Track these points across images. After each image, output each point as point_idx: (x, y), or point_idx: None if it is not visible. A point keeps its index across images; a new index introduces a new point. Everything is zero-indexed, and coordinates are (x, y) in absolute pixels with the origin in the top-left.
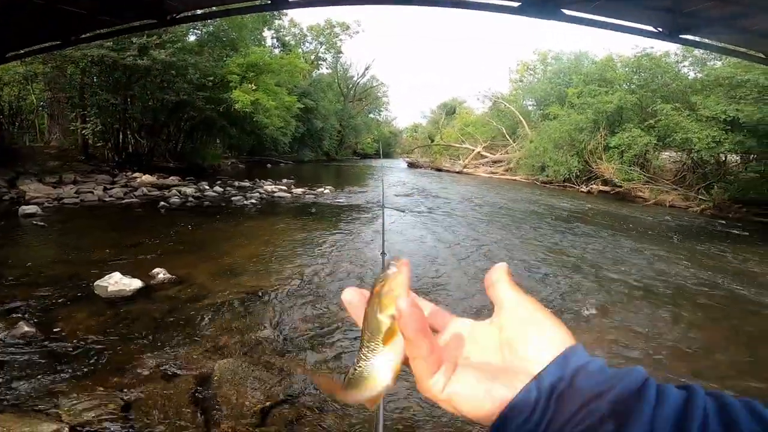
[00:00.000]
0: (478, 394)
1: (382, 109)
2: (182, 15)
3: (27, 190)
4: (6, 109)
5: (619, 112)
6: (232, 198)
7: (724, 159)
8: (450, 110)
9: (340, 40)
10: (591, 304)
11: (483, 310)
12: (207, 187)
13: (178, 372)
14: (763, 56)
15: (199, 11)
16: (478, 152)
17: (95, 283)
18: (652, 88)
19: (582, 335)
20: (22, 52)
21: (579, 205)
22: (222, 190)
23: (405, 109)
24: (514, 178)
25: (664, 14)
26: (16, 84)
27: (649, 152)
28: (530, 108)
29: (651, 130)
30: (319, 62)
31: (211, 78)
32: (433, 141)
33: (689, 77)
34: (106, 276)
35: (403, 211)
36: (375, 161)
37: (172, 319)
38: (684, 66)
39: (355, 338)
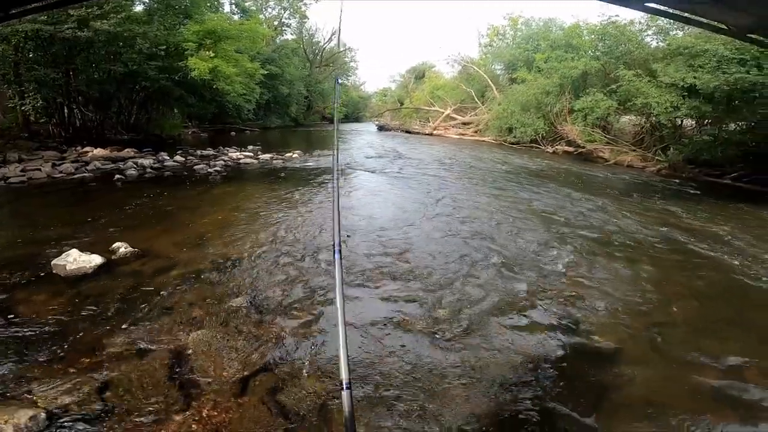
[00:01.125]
0: None
1: (350, 74)
2: None
3: None
4: None
5: (584, 77)
6: (195, 167)
7: (680, 123)
8: (419, 74)
9: (305, 4)
10: (552, 259)
11: (451, 261)
12: (167, 158)
13: (151, 347)
14: (725, 27)
15: None
16: (448, 114)
17: (53, 262)
18: (616, 55)
19: (544, 290)
20: None
21: (545, 165)
22: (183, 159)
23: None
24: (483, 139)
25: None
26: None
27: (611, 115)
28: (499, 72)
29: (613, 94)
30: (283, 28)
31: (164, 47)
32: (402, 104)
33: (651, 46)
34: (64, 254)
35: (374, 172)
36: (345, 125)
37: (138, 293)
38: (647, 35)
39: (328, 303)
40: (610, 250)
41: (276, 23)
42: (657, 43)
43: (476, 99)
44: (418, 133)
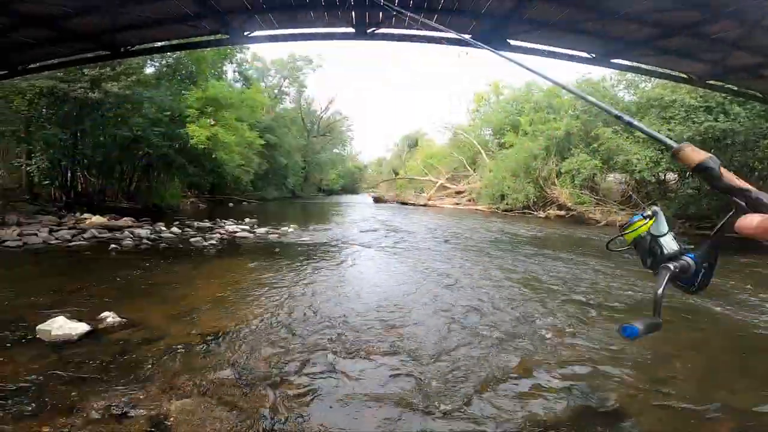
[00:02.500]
0: None
1: (346, 144)
2: (137, 47)
3: None
4: None
5: (568, 138)
6: (191, 239)
7: (663, 177)
8: (412, 142)
9: (304, 74)
10: (551, 326)
11: (446, 333)
12: (164, 228)
13: (131, 413)
14: (684, 76)
15: (156, 44)
16: (442, 184)
17: (38, 327)
18: (594, 112)
19: (544, 356)
20: None
21: (537, 231)
22: (180, 231)
23: (370, 144)
24: (476, 207)
25: (595, 39)
26: None
27: (597, 175)
28: (488, 137)
29: (596, 153)
30: (283, 96)
31: (168, 113)
32: (397, 174)
33: (625, 100)
34: (49, 320)
35: (369, 247)
36: (341, 198)
37: (123, 361)
38: (619, 90)
39: (319, 376)
40: (608, 312)
41: (276, 91)
42: (629, 97)
43: (467, 166)
44: (413, 204)
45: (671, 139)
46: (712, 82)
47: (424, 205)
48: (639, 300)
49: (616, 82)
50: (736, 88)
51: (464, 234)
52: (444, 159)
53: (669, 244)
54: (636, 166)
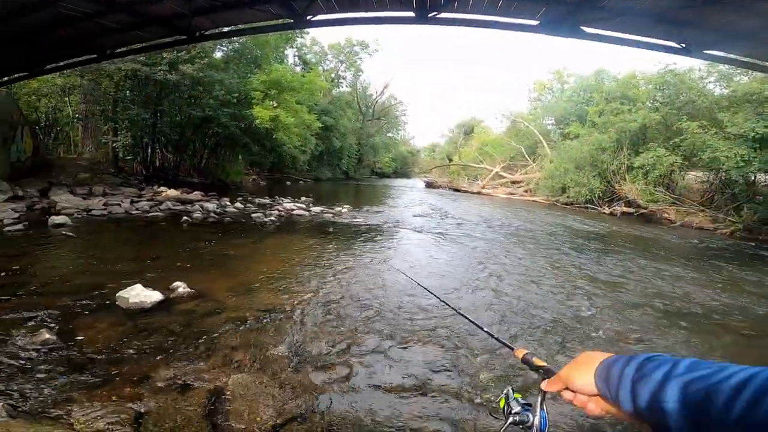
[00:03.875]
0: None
1: (400, 128)
2: (209, 32)
3: (58, 201)
4: (43, 120)
5: (643, 130)
6: (252, 215)
7: (753, 179)
8: (468, 129)
9: (360, 58)
10: (613, 330)
11: (495, 327)
12: (228, 203)
13: (192, 385)
14: None
15: (225, 28)
16: (497, 172)
17: (117, 294)
18: (677, 105)
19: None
20: (61, 64)
21: (602, 227)
22: (242, 206)
23: (423, 129)
24: (533, 199)
25: (684, 29)
26: (54, 96)
27: (675, 172)
28: (549, 127)
29: (676, 149)
30: (339, 80)
31: (236, 95)
32: (451, 161)
33: (715, 93)
34: (128, 288)
35: (421, 232)
36: (393, 181)
37: (188, 332)
38: (709, 82)
39: (367, 360)
40: (680, 321)
41: (333, 75)
42: (720, 90)
43: (526, 156)
44: (466, 191)
45: None
46: None
47: (478, 193)
48: (711, 310)
49: (706, 74)
50: None
51: (520, 225)
52: (500, 147)
53: (514, 405)
54: (724, 164)
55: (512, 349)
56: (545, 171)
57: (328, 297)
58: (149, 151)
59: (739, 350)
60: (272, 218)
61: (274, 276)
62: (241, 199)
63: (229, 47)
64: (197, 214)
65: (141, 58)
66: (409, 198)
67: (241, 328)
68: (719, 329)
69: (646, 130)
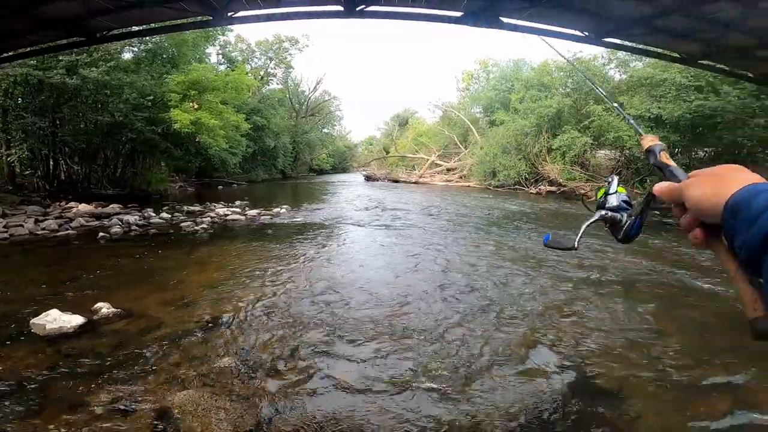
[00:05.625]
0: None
1: (335, 123)
2: (115, 32)
3: None
4: None
5: (559, 115)
6: (181, 224)
7: None
8: (403, 121)
9: (290, 54)
10: (545, 303)
11: (444, 313)
12: (153, 214)
13: (135, 407)
14: (677, 55)
15: (134, 28)
16: (433, 161)
17: (31, 321)
18: (585, 90)
19: (541, 335)
20: None
21: (529, 206)
22: (170, 216)
23: (360, 123)
24: (468, 184)
25: (589, 18)
26: None
27: (587, 152)
28: (478, 115)
29: (587, 130)
30: (269, 78)
31: (150, 97)
32: (388, 153)
33: (615, 79)
34: (43, 314)
35: (363, 226)
36: (332, 177)
37: (122, 353)
38: (610, 68)
39: (318, 361)
40: (602, 288)
41: (262, 73)
42: (620, 75)
43: (458, 143)
44: (404, 181)
45: (663, 116)
46: (704, 61)
47: (416, 183)
48: (630, 275)
49: (607, 61)
50: (728, 68)
51: (457, 210)
52: (434, 137)
53: (611, 200)
54: (626, 143)
55: (640, 134)
56: (476, 157)
57: (273, 301)
58: (51, 163)
59: (651, 310)
60: (204, 226)
61: (211, 286)
62: (167, 208)
63: (141, 47)
64: (116, 229)
65: (32, 61)
66: (348, 193)
67: (181, 343)
68: (637, 293)
69: (561, 115)
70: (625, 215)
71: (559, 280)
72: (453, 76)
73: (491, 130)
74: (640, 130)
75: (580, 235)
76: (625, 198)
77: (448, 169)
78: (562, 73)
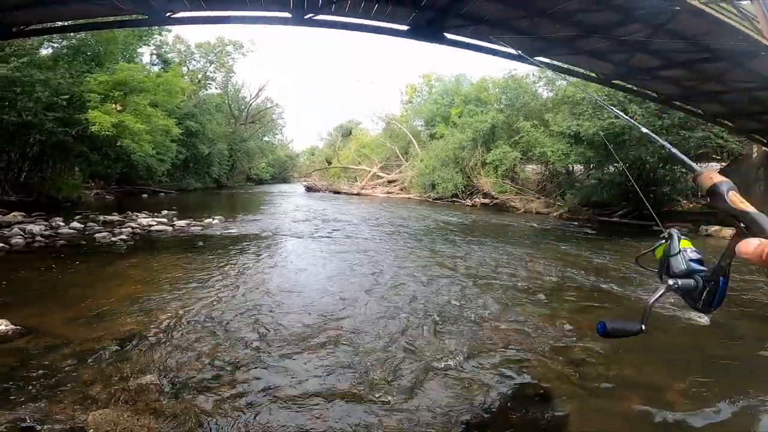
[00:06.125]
0: None
1: (277, 132)
2: (34, 27)
3: None
4: None
5: (493, 130)
6: (96, 235)
7: (572, 169)
8: (346, 132)
9: (233, 59)
10: (476, 311)
11: (381, 324)
12: (61, 224)
13: (42, 427)
14: (595, 75)
15: (58, 23)
16: (375, 173)
17: None
18: (517, 107)
19: (473, 342)
20: None
21: (464, 218)
22: (82, 226)
23: (302, 132)
24: (408, 196)
25: (522, 38)
26: None
27: (517, 166)
28: (420, 128)
29: (517, 145)
30: (208, 82)
31: (66, 96)
32: (330, 163)
33: (543, 96)
34: None
35: (302, 238)
36: (272, 187)
37: (23, 372)
38: (539, 86)
39: (253, 375)
40: (527, 296)
41: (200, 76)
42: (548, 93)
43: (400, 156)
44: (346, 193)
45: (581, 133)
46: (616, 81)
47: (357, 194)
48: (550, 282)
49: (537, 79)
50: (636, 88)
51: (397, 222)
52: (377, 149)
53: (676, 263)
54: (550, 158)
55: (694, 170)
56: (417, 169)
57: (201, 315)
58: None
59: (570, 313)
60: (123, 237)
61: (130, 300)
62: (79, 217)
63: (62, 44)
64: (17, 239)
65: None
66: (288, 204)
67: (93, 361)
68: (558, 298)
69: (495, 130)
70: (700, 279)
71: (486, 288)
72: (397, 89)
73: (431, 143)
74: (694, 167)
75: (646, 315)
76: (694, 255)
77: (390, 181)
78: (497, 90)
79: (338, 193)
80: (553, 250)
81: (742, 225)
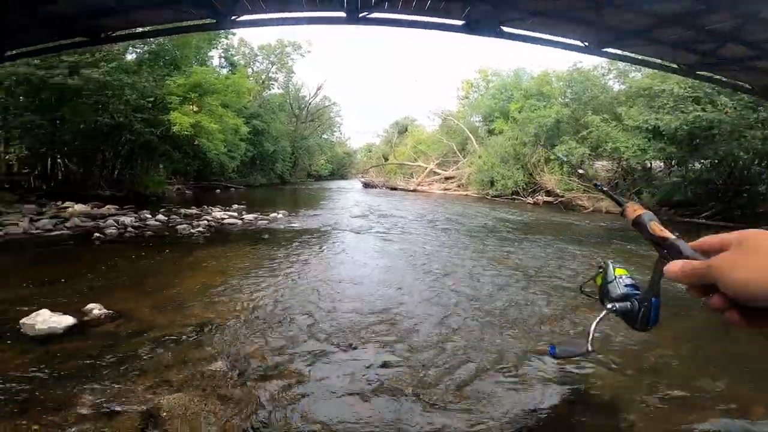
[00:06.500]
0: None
1: (335, 129)
2: (118, 33)
3: None
4: None
5: (557, 125)
6: (177, 227)
7: (649, 165)
8: (402, 129)
9: (292, 59)
10: (539, 314)
11: (438, 320)
12: (149, 216)
13: (122, 409)
14: (675, 66)
15: (138, 29)
16: (431, 170)
17: (21, 321)
18: (584, 100)
19: (537, 344)
20: None
21: (525, 216)
22: (166, 218)
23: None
24: (466, 193)
25: (588, 29)
26: None
27: (585, 162)
28: (477, 124)
29: (585, 141)
30: (270, 82)
31: (151, 99)
32: (386, 160)
33: (614, 89)
34: (33, 314)
35: (359, 233)
36: (330, 183)
37: (111, 355)
38: (609, 78)
39: (311, 367)
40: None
41: (263, 77)
42: (619, 86)
43: (457, 152)
44: (402, 189)
45: (660, 128)
46: (702, 72)
47: (414, 191)
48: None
49: (606, 71)
50: (725, 79)
51: (454, 219)
52: (433, 145)
53: (613, 289)
54: (624, 154)
55: (621, 204)
56: (475, 166)
57: (266, 306)
58: (49, 162)
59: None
60: (200, 229)
61: (205, 290)
62: (163, 210)
63: (144, 48)
64: (111, 230)
65: (35, 61)
66: (346, 199)
67: (172, 346)
68: None
69: (560, 125)
70: (636, 302)
71: (552, 290)
72: (453, 85)
73: (490, 139)
74: (620, 201)
75: (591, 336)
76: (629, 282)
77: (447, 178)
78: (561, 83)
79: (395, 189)
80: (625, 251)
81: (664, 250)
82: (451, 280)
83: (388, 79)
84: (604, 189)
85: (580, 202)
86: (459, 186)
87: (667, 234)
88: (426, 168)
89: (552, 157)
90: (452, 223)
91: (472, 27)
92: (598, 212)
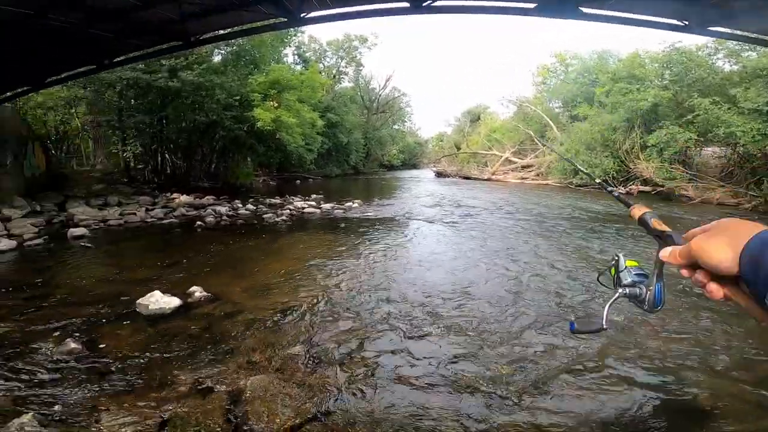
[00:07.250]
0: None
1: (405, 120)
2: (204, 36)
3: (75, 213)
4: (52, 133)
5: (654, 109)
6: (264, 216)
7: None
8: (474, 117)
9: (360, 53)
10: (624, 310)
11: (512, 314)
12: (240, 206)
13: (214, 388)
14: None
15: (220, 31)
16: (507, 158)
17: (138, 301)
18: (687, 82)
19: (618, 344)
20: (62, 76)
21: (615, 207)
22: (254, 208)
23: (430, 119)
24: (545, 182)
25: (688, 6)
26: (60, 108)
27: (691, 149)
28: (557, 110)
29: (690, 125)
30: (341, 76)
31: (237, 97)
32: (459, 149)
33: (725, 70)
34: (148, 295)
35: (432, 222)
36: (402, 173)
37: (207, 336)
38: (717, 58)
39: (384, 355)
40: (699, 300)
41: (334, 72)
42: (730, 66)
43: (536, 140)
44: (476, 178)
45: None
46: None
47: (488, 180)
48: None
49: (713, 51)
50: None
51: (533, 210)
52: (508, 133)
53: (624, 277)
54: (740, 139)
55: (628, 206)
56: (556, 153)
57: (343, 293)
58: (159, 158)
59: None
60: (284, 218)
61: (288, 275)
62: (252, 200)
63: (227, 50)
64: (210, 219)
65: (140, 66)
66: (419, 188)
67: (257, 329)
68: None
69: (657, 109)
70: (643, 287)
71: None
72: (527, 70)
73: (573, 126)
74: (628, 202)
75: (605, 315)
76: (638, 271)
77: (524, 167)
78: (656, 65)
79: (468, 178)
80: None
81: (662, 242)
82: (529, 274)
83: (457, 68)
84: (611, 190)
85: (684, 192)
86: (538, 175)
87: (665, 228)
88: (501, 156)
89: (650, 143)
90: (533, 215)
91: (545, 9)
92: (708, 203)
